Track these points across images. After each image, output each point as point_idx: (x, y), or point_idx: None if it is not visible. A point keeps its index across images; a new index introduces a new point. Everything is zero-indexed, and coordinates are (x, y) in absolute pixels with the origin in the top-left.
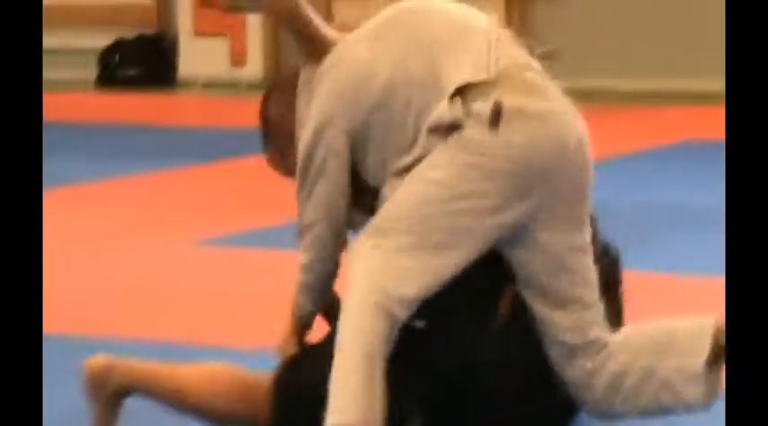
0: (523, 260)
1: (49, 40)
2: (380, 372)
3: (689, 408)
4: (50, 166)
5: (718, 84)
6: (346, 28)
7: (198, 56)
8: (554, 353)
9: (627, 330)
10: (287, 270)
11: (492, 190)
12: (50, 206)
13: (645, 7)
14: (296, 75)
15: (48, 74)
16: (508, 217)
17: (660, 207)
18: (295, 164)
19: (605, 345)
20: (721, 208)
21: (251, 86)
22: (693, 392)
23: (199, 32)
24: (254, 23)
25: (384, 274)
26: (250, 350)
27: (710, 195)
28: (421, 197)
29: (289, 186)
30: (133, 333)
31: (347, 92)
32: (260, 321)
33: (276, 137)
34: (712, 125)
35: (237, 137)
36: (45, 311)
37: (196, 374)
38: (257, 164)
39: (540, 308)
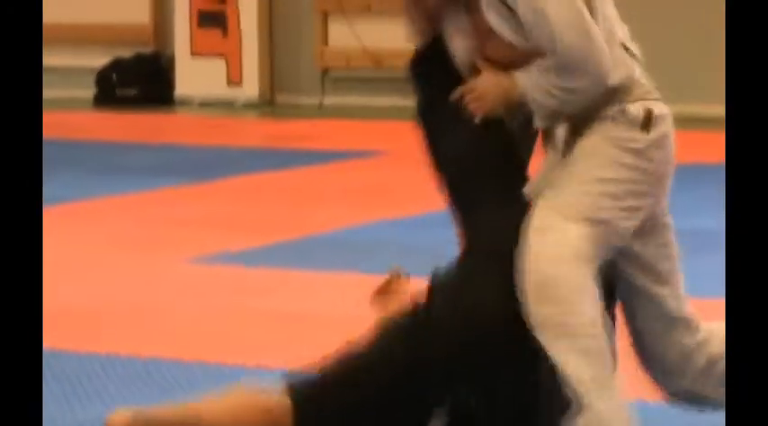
0: (641, 249)
1: (48, 59)
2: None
3: None
4: (48, 184)
5: (703, 109)
6: None
7: (195, 76)
8: (654, 328)
9: (714, 323)
10: (281, 288)
11: (649, 190)
12: (48, 222)
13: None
14: None
15: (46, 92)
16: (649, 212)
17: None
18: None
19: (698, 327)
20: (708, 229)
21: (247, 106)
22: None
23: (195, 52)
24: (250, 44)
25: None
26: (244, 367)
27: (700, 218)
28: (597, 195)
29: (283, 207)
30: (126, 349)
31: None
32: (252, 337)
33: None
34: (692, 150)
35: (233, 156)
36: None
37: (221, 409)
38: (251, 183)
39: (648, 286)
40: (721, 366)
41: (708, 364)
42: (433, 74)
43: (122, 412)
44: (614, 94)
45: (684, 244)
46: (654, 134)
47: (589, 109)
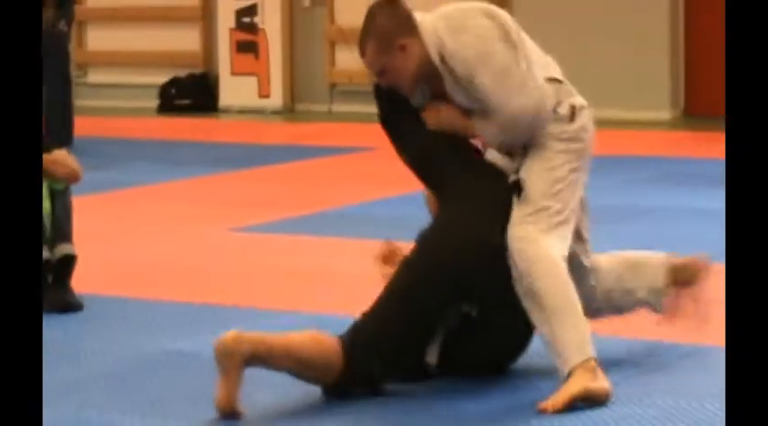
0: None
1: (122, 78)
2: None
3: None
4: (122, 172)
5: (626, 113)
6: None
7: (234, 90)
8: (574, 277)
9: (604, 259)
10: (301, 250)
11: (582, 165)
12: (123, 202)
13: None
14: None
15: (120, 103)
16: (583, 184)
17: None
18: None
19: (598, 270)
20: (634, 204)
21: (274, 113)
22: (654, 301)
23: (235, 72)
24: (276, 66)
25: (555, 244)
26: (277, 311)
27: (624, 196)
28: (551, 181)
29: (302, 189)
30: (182, 297)
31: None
32: (282, 288)
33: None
34: (625, 144)
35: (264, 151)
36: (110, 278)
37: (302, 338)
38: (278, 171)
39: (576, 248)
40: (612, 293)
41: (605, 293)
42: (390, 93)
43: (231, 332)
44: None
45: (608, 215)
46: (578, 121)
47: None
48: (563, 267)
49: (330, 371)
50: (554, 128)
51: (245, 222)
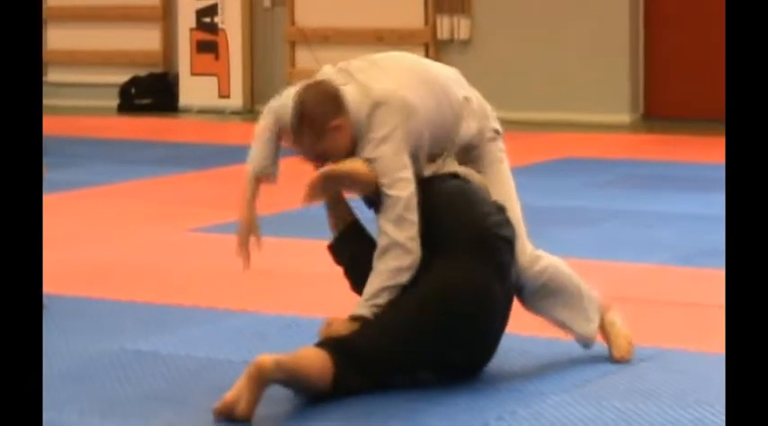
0: None
1: (82, 76)
2: None
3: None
4: (81, 172)
5: (586, 116)
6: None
7: (194, 90)
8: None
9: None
10: (262, 251)
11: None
12: (81, 202)
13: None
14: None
15: (80, 102)
16: None
17: (544, 207)
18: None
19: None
20: (595, 207)
21: (233, 113)
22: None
23: (195, 72)
24: (236, 66)
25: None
26: (236, 311)
27: (585, 199)
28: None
29: (262, 190)
30: (141, 297)
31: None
32: (236, 288)
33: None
34: (585, 147)
35: (223, 150)
36: (70, 278)
37: (311, 359)
38: (237, 171)
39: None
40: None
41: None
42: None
43: (269, 357)
44: (481, 131)
45: (569, 218)
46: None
47: (473, 138)
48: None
49: (323, 388)
50: (492, 146)
51: (205, 222)
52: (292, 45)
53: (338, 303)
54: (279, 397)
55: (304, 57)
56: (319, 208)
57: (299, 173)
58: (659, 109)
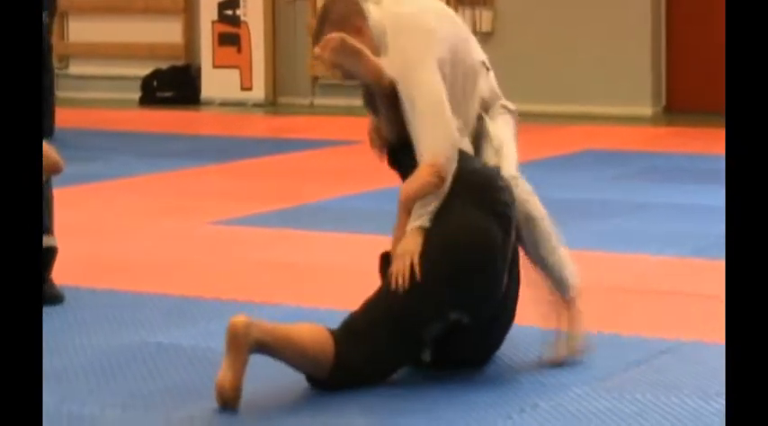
0: None
1: (104, 69)
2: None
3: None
4: (102, 165)
5: (607, 109)
6: None
7: (216, 82)
8: None
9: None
10: (282, 244)
11: None
12: (101, 194)
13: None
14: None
15: (102, 95)
16: None
17: (566, 200)
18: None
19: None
20: (616, 199)
21: (255, 106)
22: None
23: (217, 65)
24: (258, 59)
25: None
26: (257, 304)
27: (607, 191)
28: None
29: (283, 182)
30: (161, 289)
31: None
32: (263, 281)
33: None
34: (606, 139)
35: (245, 143)
36: (91, 271)
37: (302, 330)
38: (259, 164)
39: None
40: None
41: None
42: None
43: (242, 316)
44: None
45: (590, 211)
46: None
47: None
48: None
49: (324, 364)
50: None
51: (227, 215)
52: None
53: (359, 296)
54: (296, 389)
55: None
56: (336, 200)
57: (316, 167)
58: (681, 101)
